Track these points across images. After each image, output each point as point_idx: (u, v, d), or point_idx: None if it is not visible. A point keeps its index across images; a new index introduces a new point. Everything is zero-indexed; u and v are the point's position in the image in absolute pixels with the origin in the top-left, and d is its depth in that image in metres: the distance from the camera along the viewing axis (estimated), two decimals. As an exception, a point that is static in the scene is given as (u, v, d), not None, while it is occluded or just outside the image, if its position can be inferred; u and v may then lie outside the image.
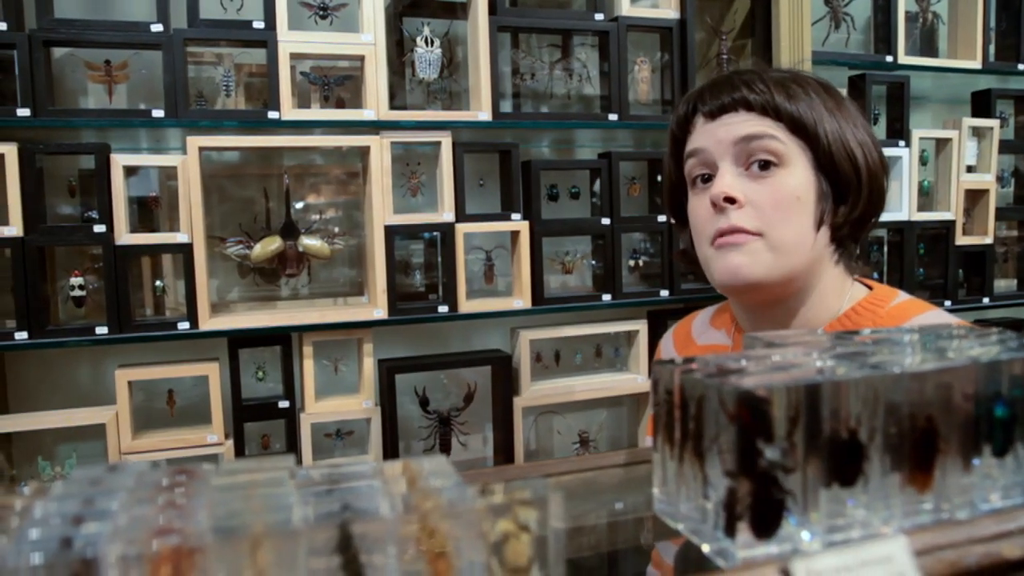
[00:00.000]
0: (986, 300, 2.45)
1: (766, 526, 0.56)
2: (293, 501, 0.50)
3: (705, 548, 0.58)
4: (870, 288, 1.07)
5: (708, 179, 1.01)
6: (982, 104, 2.50)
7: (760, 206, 0.96)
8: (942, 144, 2.40)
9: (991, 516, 0.61)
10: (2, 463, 0.62)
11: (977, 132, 2.43)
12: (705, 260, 1.02)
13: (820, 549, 0.56)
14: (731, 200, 0.96)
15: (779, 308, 1.03)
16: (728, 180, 0.97)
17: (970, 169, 2.42)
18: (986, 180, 2.42)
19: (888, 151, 2.30)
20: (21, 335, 1.67)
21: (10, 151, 1.64)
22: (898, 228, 2.32)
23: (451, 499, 0.50)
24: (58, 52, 1.83)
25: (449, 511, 0.50)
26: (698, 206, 1.02)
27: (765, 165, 0.96)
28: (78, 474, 0.56)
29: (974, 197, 2.44)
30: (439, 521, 0.49)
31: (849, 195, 0.98)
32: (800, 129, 0.97)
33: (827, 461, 0.57)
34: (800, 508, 0.57)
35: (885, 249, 2.41)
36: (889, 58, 2.30)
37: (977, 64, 2.41)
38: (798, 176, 0.97)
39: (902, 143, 2.31)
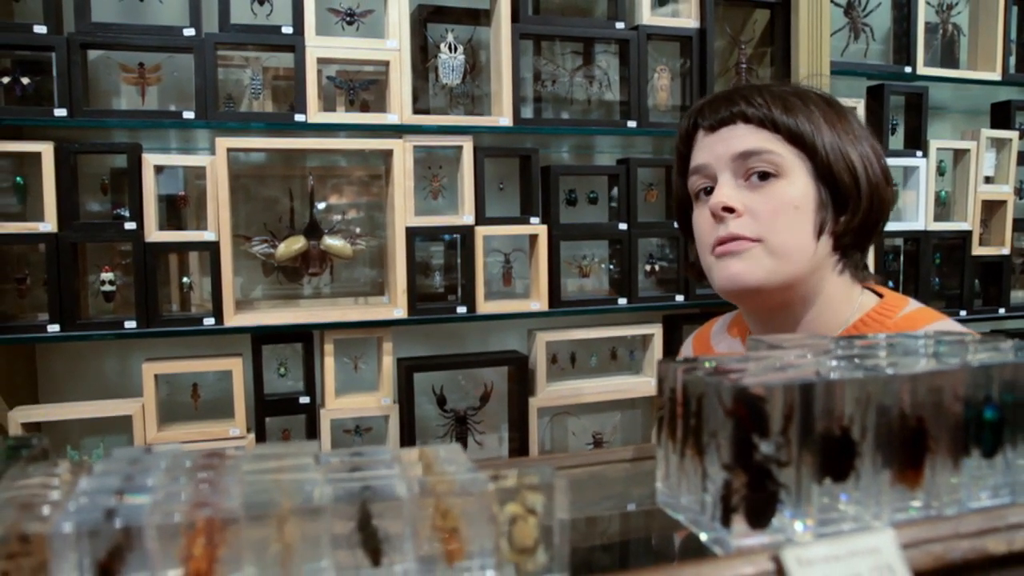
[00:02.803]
0: (1002, 311, 2.46)
1: (760, 517, 0.59)
2: (318, 482, 0.54)
3: (703, 537, 0.62)
4: (881, 296, 1.09)
5: (710, 191, 1.03)
6: (1001, 115, 2.51)
7: (758, 214, 0.98)
8: (960, 155, 2.41)
9: (978, 513, 0.64)
10: (47, 444, 0.66)
11: (996, 143, 2.44)
12: (707, 269, 1.05)
13: (812, 540, 0.59)
14: (730, 209, 0.98)
15: (785, 315, 1.05)
16: (727, 191, 0.99)
17: (988, 180, 2.43)
18: (1004, 191, 2.43)
19: (905, 161, 2.31)
20: (53, 328, 1.73)
21: (47, 150, 1.70)
22: (914, 238, 2.34)
23: (464, 483, 0.54)
24: (93, 55, 1.90)
25: (462, 494, 0.53)
26: (700, 217, 1.05)
27: (764, 176, 0.98)
28: (118, 453, 0.60)
29: (991, 208, 2.45)
30: (452, 503, 0.53)
31: (849, 205, 1.00)
32: (798, 140, 0.99)
33: (820, 457, 0.60)
34: (793, 501, 0.60)
35: (901, 259, 2.42)
36: (908, 69, 2.31)
37: (997, 76, 2.41)
38: (797, 185, 0.99)
39: (919, 153, 2.32)
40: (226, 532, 0.49)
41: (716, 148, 1.02)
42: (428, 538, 0.53)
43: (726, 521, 0.59)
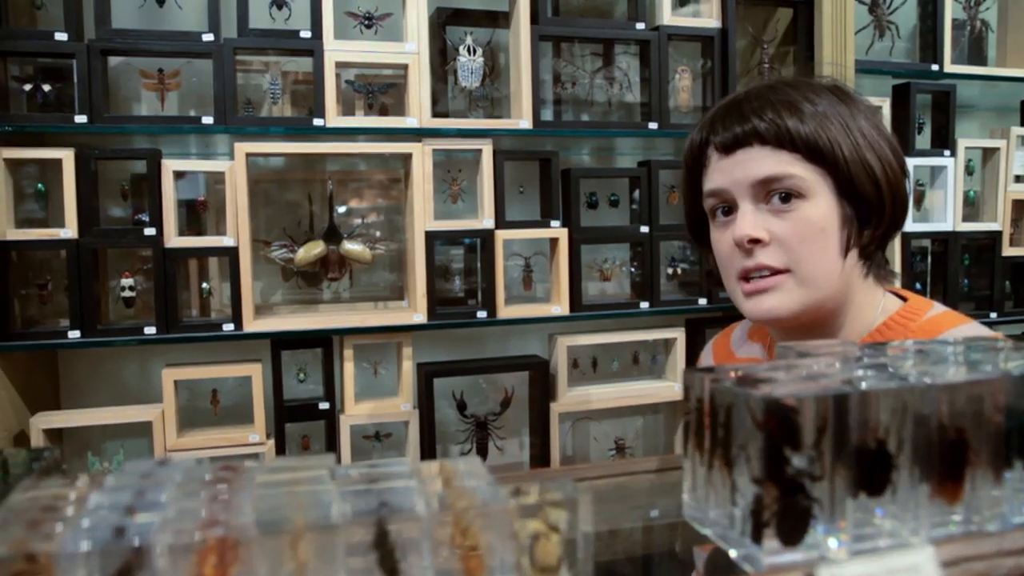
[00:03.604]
0: (1034, 313, 2.41)
1: (793, 533, 0.57)
2: (333, 498, 0.52)
3: (733, 553, 0.59)
4: (904, 299, 1.06)
5: (728, 211, 1.00)
6: (1032, 113, 2.46)
7: (785, 241, 0.95)
8: (989, 153, 2.36)
9: (1022, 529, 0.61)
10: (59, 456, 0.66)
11: (1026, 142, 2.39)
12: (732, 293, 1.02)
13: (846, 558, 0.57)
14: (756, 240, 0.96)
15: (812, 327, 1.03)
16: (750, 220, 0.96)
17: (1018, 179, 2.38)
18: (1034, 190, 2.38)
19: (933, 161, 2.27)
20: (74, 334, 1.73)
21: (67, 156, 1.70)
22: (942, 238, 2.29)
23: (484, 499, 0.52)
24: (113, 61, 1.90)
25: (482, 510, 0.51)
26: (721, 241, 1.01)
27: (786, 198, 0.95)
28: (130, 467, 0.58)
29: (1022, 207, 2.40)
30: (472, 520, 0.51)
31: (872, 215, 0.97)
32: (817, 157, 0.95)
33: (855, 470, 0.58)
34: (827, 516, 0.57)
35: (929, 260, 2.38)
36: (935, 66, 2.27)
37: (1027, 72, 2.37)
38: (821, 206, 0.95)
39: (947, 153, 2.28)
40: (239, 550, 0.48)
41: (734, 173, 0.98)
42: (447, 556, 0.51)
43: (757, 537, 0.57)
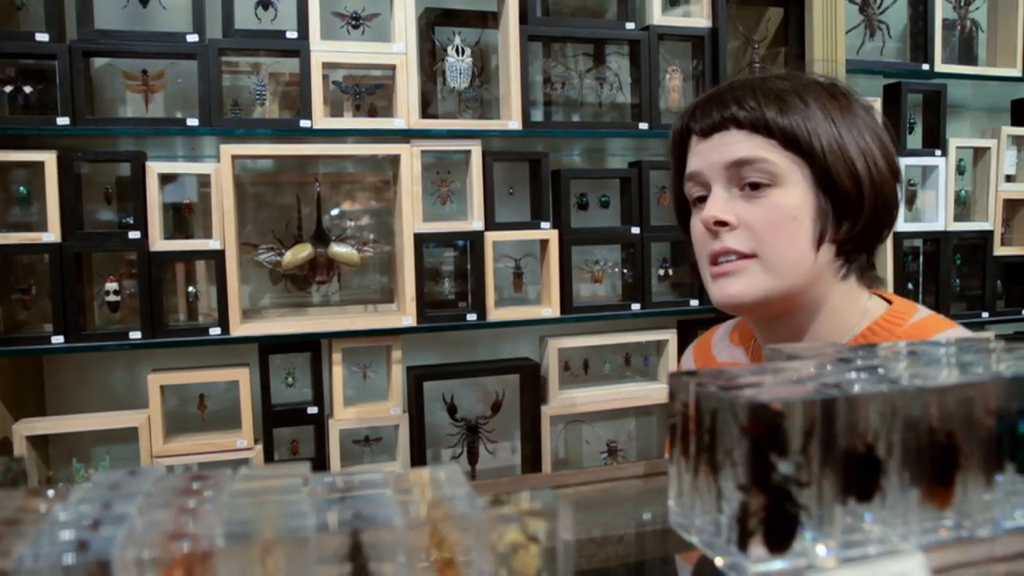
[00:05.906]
0: (1026, 312, 2.40)
1: (779, 541, 0.55)
2: (305, 508, 0.50)
3: (719, 562, 0.58)
4: (890, 302, 1.05)
5: (706, 199, 1.00)
6: (1022, 112, 2.45)
7: (753, 227, 0.94)
8: (980, 153, 2.35)
9: (1014, 534, 0.60)
10: (25, 466, 0.64)
11: (1016, 141, 2.38)
12: (704, 280, 1.01)
13: (835, 565, 0.55)
14: (722, 223, 0.95)
15: (788, 323, 1.01)
16: (720, 203, 0.95)
17: (1009, 178, 2.38)
18: (1026, 190, 2.38)
19: (924, 161, 2.27)
20: (58, 339, 1.71)
21: (50, 159, 1.68)
22: (934, 238, 2.29)
23: (461, 509, 0.50)
24: (97, 62, 1.88)
25: (458, 521, 0.50)
26: (695, 226, 1.01)
27: (758, 185, 0.94)
28: (98, 478, 0.57)
29: (1013, 207, 2.39)
30: (448, 530, 0.50)
31: (850, 211, 0.95)
32: (794, 145, 0.93)
33: (843, 476, 0.56)
34: (815, 523, 0.56)
35: (921, 260, 2.37)
36: (925, 66, 2.27)
37: (1017, 71, 2.36)
38: (794, 195, 0.94)
39: (938, 152, 2.27)
40: (206, 564, 0.46)
41: (709, 156, 0.97)
42: (422, 568, 0.49)
43: (743, 545, 0.55)
